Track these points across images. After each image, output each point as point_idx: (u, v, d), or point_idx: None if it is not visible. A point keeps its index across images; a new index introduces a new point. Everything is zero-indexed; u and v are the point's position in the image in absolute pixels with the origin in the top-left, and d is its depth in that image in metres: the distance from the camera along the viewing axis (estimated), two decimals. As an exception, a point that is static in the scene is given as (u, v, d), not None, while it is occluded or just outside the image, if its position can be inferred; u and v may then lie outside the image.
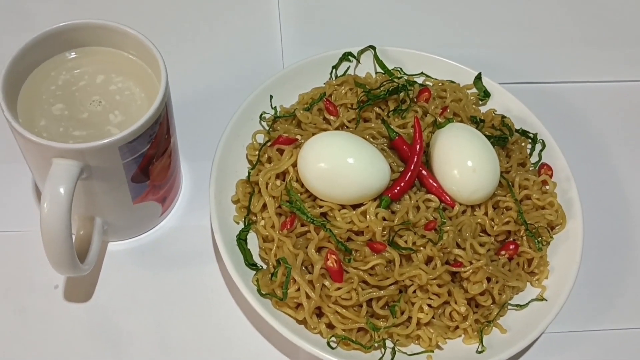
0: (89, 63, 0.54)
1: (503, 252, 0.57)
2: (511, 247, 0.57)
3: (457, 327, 0.56)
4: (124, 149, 0.49)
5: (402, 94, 0.63)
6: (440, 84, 0.67)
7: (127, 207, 0.56)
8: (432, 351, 0.55)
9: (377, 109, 0.63)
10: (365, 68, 0.68)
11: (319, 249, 0.55)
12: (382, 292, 0.54)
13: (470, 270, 0.55)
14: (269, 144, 0.61)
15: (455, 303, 0.55)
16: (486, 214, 0.58)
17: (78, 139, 0.50)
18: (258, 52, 0.73)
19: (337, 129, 0.61)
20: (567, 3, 0.81)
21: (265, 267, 0.57)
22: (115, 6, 0.75)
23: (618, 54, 0.77)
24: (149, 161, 0.53)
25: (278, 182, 0.58)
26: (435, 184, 0.58)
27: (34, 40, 0.51)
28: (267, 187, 0.58)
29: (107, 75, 0.53)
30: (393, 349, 0.54)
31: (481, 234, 0.58)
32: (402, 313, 0.55)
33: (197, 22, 0.76)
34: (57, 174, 0.47)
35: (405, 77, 0.67)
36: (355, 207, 0.56)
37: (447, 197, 0.57)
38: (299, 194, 0.57)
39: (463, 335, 0.56)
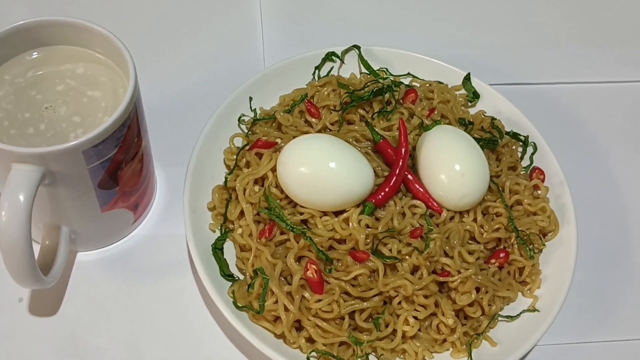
0: (52, 63, 0.51)
1: (493, 261, 0.55)
2: (501, 255, 0.56)
3: (444, 340, 0.54)
4: (89, 153, 0.47)
5: (387, 95, 0.61)
6: (427, 85, 0.65)
7: (96, 215, 0.53)
8: (419, 366, 0.52)
9: (361, 111, 0.61)
10: (350, 69, 0.66)
11: (298, 259, 0.53)
12: (365, 303, 0.52)
13: (459, 280, 0.53)
14: (247, 147, 0.59)
15: (443, 315, 0.53)
16: (475, 220, 0.56)
17: (39, 143, 0.48)
18: (238, 52, 0.71)
19: (319, 131, 0.59)
20: (559, 2, 0.80)
21: (242, 278, 0.55)
22: (90, 8, 0.73)
23: (611, 54, 0.76)
24: (117, 166, 0.50)
25: (256, 188, 0.56)
26: (421, 189, 0.56)
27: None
28: (244, 193, 0.56)
29: (71, 75, 0.51)
30: (377, 364, 0.52)
31: (470, 241, 0.56)
32: (387, 326, 0.53)
33: (175, 21, 0.74)
34: (16, 180, 0.45)
35: (391, 78, 0.65)
36: (337, 213, 0.54)
37: (434, 203, 0.55)
38: (278, 200, 0.55)
39: (451, 349, 0.54)
